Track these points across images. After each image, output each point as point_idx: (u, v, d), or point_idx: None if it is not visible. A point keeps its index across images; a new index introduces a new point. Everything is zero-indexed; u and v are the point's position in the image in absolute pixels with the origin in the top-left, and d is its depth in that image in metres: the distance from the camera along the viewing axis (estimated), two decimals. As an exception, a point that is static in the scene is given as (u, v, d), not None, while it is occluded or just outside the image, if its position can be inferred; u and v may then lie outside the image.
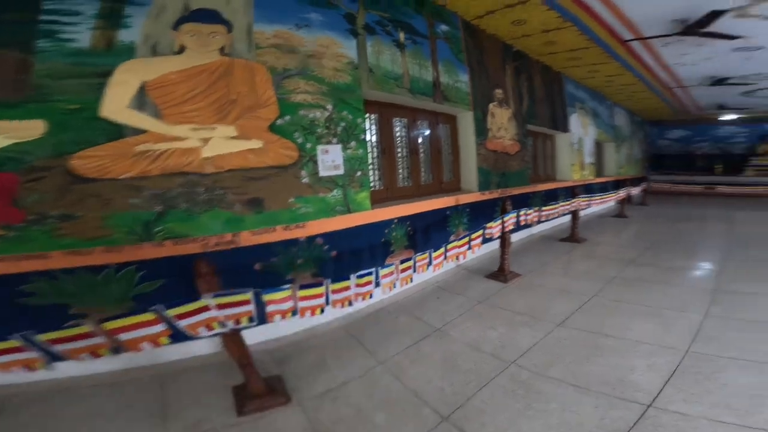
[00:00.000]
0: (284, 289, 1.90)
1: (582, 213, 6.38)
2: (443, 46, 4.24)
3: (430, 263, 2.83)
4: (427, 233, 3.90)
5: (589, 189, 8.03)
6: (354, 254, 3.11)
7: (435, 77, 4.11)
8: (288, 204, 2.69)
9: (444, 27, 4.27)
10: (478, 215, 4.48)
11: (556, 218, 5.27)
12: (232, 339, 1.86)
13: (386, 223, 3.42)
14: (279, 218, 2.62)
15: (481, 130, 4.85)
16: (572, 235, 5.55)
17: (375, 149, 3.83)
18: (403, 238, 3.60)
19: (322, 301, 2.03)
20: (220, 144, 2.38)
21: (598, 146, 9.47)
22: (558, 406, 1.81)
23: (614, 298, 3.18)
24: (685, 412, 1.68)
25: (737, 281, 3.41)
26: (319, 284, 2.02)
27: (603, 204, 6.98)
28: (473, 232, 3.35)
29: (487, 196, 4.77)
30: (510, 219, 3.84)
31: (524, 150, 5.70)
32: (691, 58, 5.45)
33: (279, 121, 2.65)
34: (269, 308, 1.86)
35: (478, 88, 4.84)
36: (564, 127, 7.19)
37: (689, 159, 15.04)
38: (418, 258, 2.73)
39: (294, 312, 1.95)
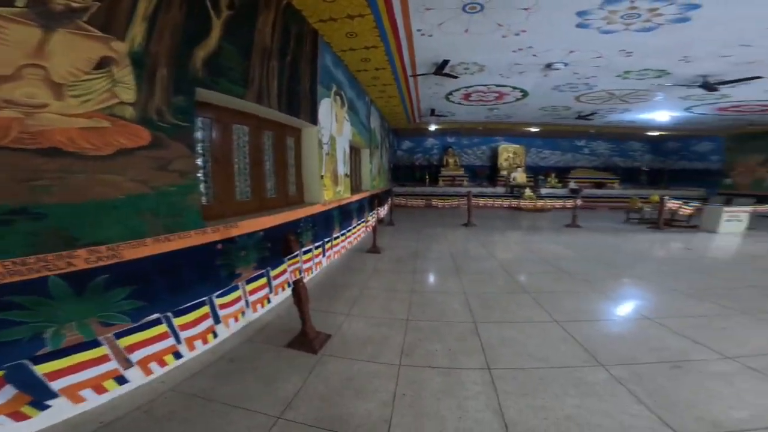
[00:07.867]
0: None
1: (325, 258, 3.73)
2: None
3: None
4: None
5: (345, 214, 5.69)
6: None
7: None
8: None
9: None
10: None
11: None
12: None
13: None
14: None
15: None
16: (304, 336, 2.48)
17: None
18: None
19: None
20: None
21: (354, 152, 7.52)
22: None
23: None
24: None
25: None
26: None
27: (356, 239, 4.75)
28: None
29: None
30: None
31: (167, 146, 2.15)
32: (429, 21, 4.16)
33: None
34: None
35: None
36: (311, 117, 4.27)
37: (412, 170, 16.81)
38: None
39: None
